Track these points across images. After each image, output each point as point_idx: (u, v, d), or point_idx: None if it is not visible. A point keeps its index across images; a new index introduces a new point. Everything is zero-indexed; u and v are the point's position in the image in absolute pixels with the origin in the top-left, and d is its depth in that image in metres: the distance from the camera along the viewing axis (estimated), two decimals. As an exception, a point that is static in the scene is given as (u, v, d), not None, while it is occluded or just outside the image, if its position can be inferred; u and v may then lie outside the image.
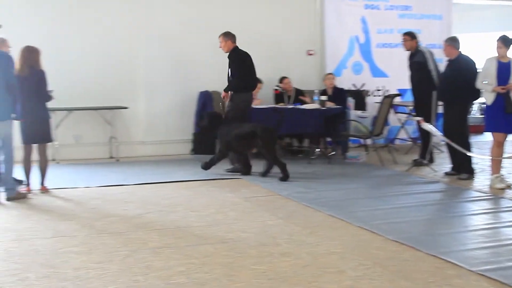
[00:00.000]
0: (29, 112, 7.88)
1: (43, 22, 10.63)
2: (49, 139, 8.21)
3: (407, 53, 10.08)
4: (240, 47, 9.35)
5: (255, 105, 10.82)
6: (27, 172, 8.00)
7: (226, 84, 9.30)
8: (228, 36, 9.43)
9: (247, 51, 9.38)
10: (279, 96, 11.41)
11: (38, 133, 8.00)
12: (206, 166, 9.35)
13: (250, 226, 6.28)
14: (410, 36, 10.01)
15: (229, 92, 9.41)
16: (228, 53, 9.44)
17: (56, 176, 8.89)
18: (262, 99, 11.23)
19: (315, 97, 10.68)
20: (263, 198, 7.70)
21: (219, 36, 9.49)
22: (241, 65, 9.38)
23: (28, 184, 8.00)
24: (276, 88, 11.44)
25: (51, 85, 8.17)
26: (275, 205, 7.30)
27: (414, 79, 9.87)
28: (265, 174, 9.15)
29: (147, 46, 11.20)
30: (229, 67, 9.42)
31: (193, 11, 11.50)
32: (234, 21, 11.62)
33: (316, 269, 4.90)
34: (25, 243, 5.66)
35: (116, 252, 5.37)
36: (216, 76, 11.50)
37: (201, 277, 4.70)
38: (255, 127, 9.00)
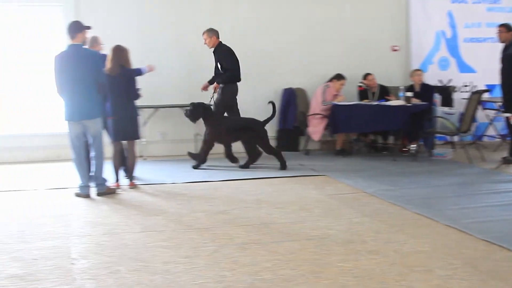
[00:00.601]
0: (119, 110, 8.09)
1: (131, 21, 10.89)
2: (137, 137, 8.40)
3: (500, 46, 9.82)
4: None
5: (338, 101, 10.76)
6: (117, 169, 8.22)
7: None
8: (212, 32, 9.82)
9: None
10: (363, 93, 11.29)
11: (127, 131, 8.21)
12: (197, 166, 9.66)
13: (335, 223, 6.24)
14: (506, 27, 9.74)
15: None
16: (213, 49, 9.90)
17: (143, 172, 9.12)
18: (345, 95, 11.14)
19: (400, 94, 10.51)
20: (348, 195, 7.64)
21: (203, 33, 9.85)
22: (232, 58, 9.83)
23: (117, 180, 8.21)
24: (360, 84, 11.32)
25: (139, 83, 8.37)
26: (360, 202, 7.23)
27: (505, 72, 9.58)
28: (245, 166, 9.60)
29: (231, 43, 11.27)
30: (216, 62, 9.93)
31: (277, 8, 11.51)
32: (318, 17, 11.63)
33: (403, 268, 4.83)
34: (115, 237, 5.82)
35: (203, 247, 5.45)
36: (300, 73, 11.54)
37: (288, 274, 4.71)
38: (247, 121, 9.63)
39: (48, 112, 10.66)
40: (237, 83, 9.94)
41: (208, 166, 9.68)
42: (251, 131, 9.56)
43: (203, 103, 9.75)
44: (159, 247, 5.47)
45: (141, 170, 9.22)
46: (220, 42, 9.91)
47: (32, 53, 10.74)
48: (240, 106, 10.84)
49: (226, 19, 11.28)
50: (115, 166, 8.24)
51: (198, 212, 6.78)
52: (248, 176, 8.92)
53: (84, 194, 7.71)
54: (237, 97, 10.02)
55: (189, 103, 9.78)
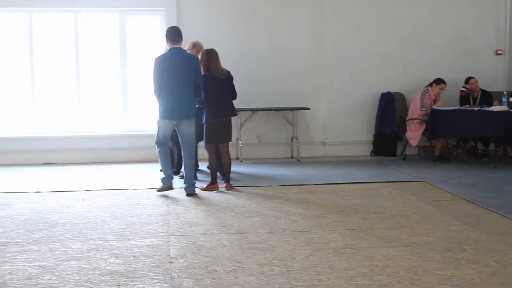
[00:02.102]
0: (222, 112, 8.24)
1: (230, 26, 11.03)
2: (230, 139, 8.53)
3: None
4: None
5: (437, 106, 10.53)
6: (214, 170, 8.35)
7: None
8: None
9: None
10: (464, 98, 10.98)
11: (225, 133, 8.36)
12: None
13: (433, 230, 6.11)
14: None
15: None
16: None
17: (239, 175, 9.23)
18: (447, 100, 10.88)
19: (504, 99, 10.17)
20: (446, 202, 7.46)
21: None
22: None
23: (215, 182, 8.34)
24: (463, 89, 11.03)
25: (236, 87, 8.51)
26: (460, 209, 7.05)
27: None
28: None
29: (329, 47, 11.27)
30: None
31: (377, 12, 11.38)
32: (419, 20, 11.41)
33: (505, 279, 4.67)
34: (212, 238, 5.90)
35: (298, 250, 5.45)
36: (399, 77, 11.35)
37: (384, 280, 4.65)
38: None
39: (142, 113, 10.98)
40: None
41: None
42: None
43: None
44: (254, 249, 5.51)
45: (237, 172, 9.36)
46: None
47: (131, 58, 11.08)
48: (337, 110, 10.86)
49: (327, 25, 11.24)
50: (212, 168, 8.37)
51: (294, 215, 6.79)
52: (344, 180, 8.86)
53: (167, 185, 7.98)
54: None
55: None
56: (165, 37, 8.03)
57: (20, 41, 11.02)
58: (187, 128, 7.91)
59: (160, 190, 8.00)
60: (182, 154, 8.09)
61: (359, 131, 11.45)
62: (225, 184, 8.37)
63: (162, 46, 10.73)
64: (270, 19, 11.21)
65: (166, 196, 7.86)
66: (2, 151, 10.69)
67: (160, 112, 7.93)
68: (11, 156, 10.69)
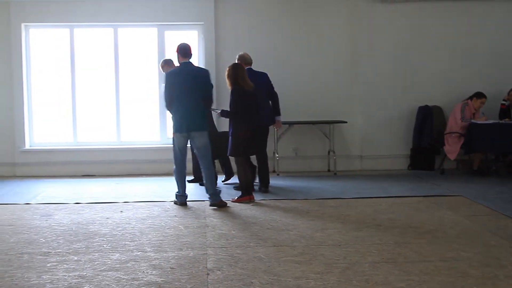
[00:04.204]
0: (253, 125, 8.33)
1: (266, 39, 11.10)
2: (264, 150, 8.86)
3: None
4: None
5: (480, 120, 10.43)
6: (244, 182, 8.37)
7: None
8: (168, 63, 9.55)
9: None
10: (504, 111, 10.87)
11: (259, 145, 8.51)
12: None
13: (471, 245, 6.05)
14: None
15: None
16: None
17: (276, 188, 9.27)
18: (487, 113, 10.77)
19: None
20: (485, 217, 7.38)
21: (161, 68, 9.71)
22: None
23: (250, 193, 8.38)
24: (503, 102, 10.92)
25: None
26: (498, 225, 6.97)
27: None
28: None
29: (366, 60, 11.25)
30: None
31: (414, 24, 11.33)
32: (459, 34, 11.31)
33: (545, 295, 4.62)
34: (249, 250, 5.93)
35: (335, 263, 5.45)
36: (437, 90, 11.28)
37: (421, 295, 4.63)
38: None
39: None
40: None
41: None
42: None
43: None
44: (291, 262, 5.52)
45: (274, 186, 9.39)
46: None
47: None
48: (374, 123, 10.85)
49: (363, 38, 11.26)
50: (243, 180, 8.39)
51: (330, 229, 6.79)
52: (382, 194, 8.82)
53: (180, 202, 8.16)
54: None
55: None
56: (176, 52, 8.24)
57: (62, 55, 11.26)
58: (200, 140, 8.07)
59: (175, 203, 8.24)
60: (200, 165, 8.22)
61: (396, 145, 11.39)
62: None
63: (200, 60, 10.90)
64: (307, 32, 11.25)
65: (202, 209, 7.92)
66: (44, 163, 10.92)
67: (173, 126, 8.19)
68: (53, 168, 10.91)
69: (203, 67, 8.20)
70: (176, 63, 8.63)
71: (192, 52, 8.26)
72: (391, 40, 11.30)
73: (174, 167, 8.25)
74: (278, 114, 9.26)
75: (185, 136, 8.08)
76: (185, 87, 7.98)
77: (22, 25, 11.02)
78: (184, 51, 8.16)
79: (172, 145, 8.41)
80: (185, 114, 7.99)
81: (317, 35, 11.25)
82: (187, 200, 8.25)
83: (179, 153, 8.15)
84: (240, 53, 9.20)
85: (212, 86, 8.28)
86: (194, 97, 7.99)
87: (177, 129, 8.10)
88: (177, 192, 8.22)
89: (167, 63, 9.65)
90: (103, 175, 10.81)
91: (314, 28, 11.26)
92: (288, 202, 8.37)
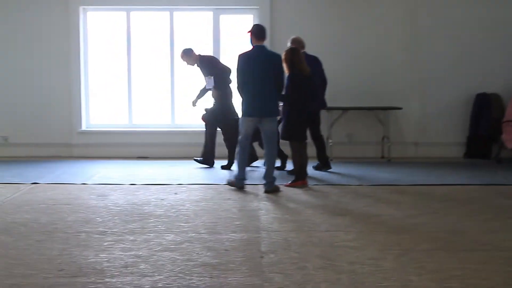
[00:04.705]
0: (305, 109, 8.30)
1: (321, 24, 11.03)
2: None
3: None
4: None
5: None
6: (300, 167, 8.35)
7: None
8: (187, 51, 9.82)
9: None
10: None
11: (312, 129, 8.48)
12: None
13: (530, 235, 5.95)
14: None
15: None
16: (197, 64, 9.91)
17: (329, 174, 9.24)
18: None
19: None
20: (544, 207, 7.24)
21: (181, 58, 9.93)
22: (214, 65, 9.89)
23: (303, 178, 8.36)
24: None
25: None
26: (558, 215, 6.82)
27: None
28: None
29: (422, 45, 11.09)
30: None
31: (474, 9, 11.10)
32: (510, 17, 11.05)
33: None
34: (303, 234, 5.94)
35: (389, 250, 5.40)
36: (496, 78, 11.04)
37: (478, 284, 4.55)
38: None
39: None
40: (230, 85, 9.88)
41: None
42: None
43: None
44: (345, 247, 5.50)
45: (327, 171, 9.37)
46: (200, 55, 9.93)
47: (224, 55, 11.24)
48: (430, 110, 10.69)
49: (420, 24, 11.11)
50: (298, 164, 8.37)
51: (384, 215, 6.74)
52: (437, 182, 8.70)
53: (239, 185, 8.06)
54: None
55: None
56: (250, 34, 8.06)
57: (118, 38, 11.40)
58: (269, 125, 7.98)
59: (229, 183, 8.17)
60: (264, 150, 8.15)
61: (452, 132, 11.21)
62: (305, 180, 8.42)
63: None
64: (363, 17, 11.14)
65: (255, 192, 7.94)
66: (100, 144, 11.11)
67: (242, 109, 8.05)
68: (108, 149, 11.08)
69: (250, 49, 8.05)
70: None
71: (265, 35, 8.10)
72: (448, 26, 11.09)
73: (238, 149, 8.18)
74: None
75: (255, 121, 7.95)
76: (257, 71, 7.86)
77: (80, 8, 11.18)
78: (258, 33, 8.00)
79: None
80: (257, 98, 7.86)
81: (372, 20, 11.12)
82: (245, 183, 8.17)
83: (245, 136, 8.03)
84: (293, 37, 9.16)
85: (284, 71, 8.14)
86: (266, 81, 7.86)
87: (247, 113, 7.96)
88: (236, 175, 8.16)
89: (186, 54, 9.79)
90: (157, 157, 10.93)
91: (369, 13, 11.13)
92: (342, 188, 8.33)
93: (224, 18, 11.34)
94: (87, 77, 11.37)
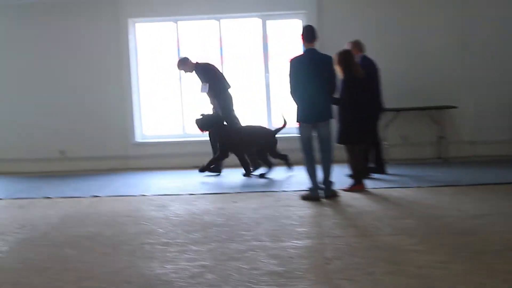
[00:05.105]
0: (364, 113, 8.21)
1: (370, 25, 10.92)
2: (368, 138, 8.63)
3: None
4: None
5: None
6: (357, 171, 8.27)
7: None
8: (184, 60, 10.01)
9: None
10: None
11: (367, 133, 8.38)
12: (203, 169, 9.91)
13: None
14: None
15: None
16: (194, 71, 10.02)
17: (387, 176, 9.13)
18: None
19: None
20: None
21: (177, 67, 10.11)
22: (209, 72, 9.97)
23: (361, 182, 8.27)
24: None
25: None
26: None
27: None
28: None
29: (476, 44, 10.90)
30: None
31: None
32: None
33: None
34: (367, 239, 5.86)
35: (458, 252, 5.29)
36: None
37: (554, 285, 4.44)
38: (258, 130, 9.73)
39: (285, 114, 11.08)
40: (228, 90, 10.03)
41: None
42: (262, 140, 9.62)
43: (215, 115, 9.88)
44: (411, 251, 5.41)
45: (383, 175, 9.28)
46: (196, 62, 10.05)
47: (273, 61, 11.25)
48: (486, 108, 10.49)
49: (473, 22, 10.92)
50: (355, 168, 8.29)
51: (448, 217, 6.61)
52: (498, 181, 8.51)
53: (314, 196, 7.82)
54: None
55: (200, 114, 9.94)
56: (301, 37, 7.98)
57: (167, 48, 11.49)
58: (324, 129, 7.86)
59: (304, 198, 7.88)
60: (320, 155, 7.99)
61: (509, 130, 10.97)
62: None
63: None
64: (413, 17, 11.01)
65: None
66: (155, 155, 11.21)
67: (297, 115, 7.92)
68: (163, 159, 11.18)
69: (301, 52, 7.98)
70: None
71: (316, 36, 7.95)
72: (501, 24, 10.88)
73: (303, 155, 7.95)
74: None
75: (311, 126, 7.84)
76: (309, 75, 7.75)
77: (129, 20, 11.32)
78: (307, 35, 7.89)
79: (295, 135, 8.22)
80: (310, 103, 7.76)
81: (424, 19, 10.98)
82: (319, 193, 7.86)
83: (306, 143, 7.89)
84: (354, 40, 9.09)
85: (336, 73, 8.02)
86: (318, 85, 7.76)
87: (302, 119, 7.85)
88: (309, 187, 7.90)
89: (182, 62, 9.97)
90: (211, 166, 10.94)
91: (421, 13, 10.99)
92: (400, 190, 8.21)
93: (272, 24, 11.33)
94: (139, 89, 11.48)
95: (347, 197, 7.87)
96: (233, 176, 9.88)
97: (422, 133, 11.04)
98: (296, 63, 7.88)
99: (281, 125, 9.73)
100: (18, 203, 8.46)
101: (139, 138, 11.46)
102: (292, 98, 7.95)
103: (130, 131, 11.34)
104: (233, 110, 10.03)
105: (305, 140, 7.89)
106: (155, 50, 11.62)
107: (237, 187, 8.86)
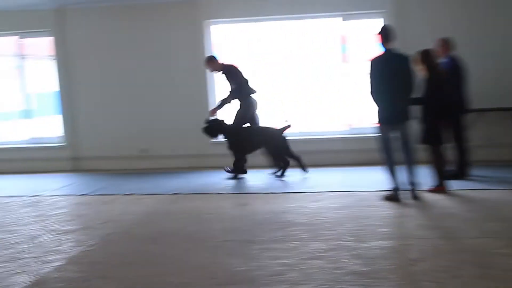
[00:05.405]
0: (447, 113, 8.05)
1: (454, 22, 10.66)
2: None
3: None
4: None
5: None
6: (440, 172, 8.11)
7: None
8: (212, 59, 10.09)
9: None
10: None
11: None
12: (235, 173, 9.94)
13: None
14: None
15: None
16: (221, 72, 10.04)
17: (471, 178, 8.92)
18: None
19: None
20: None
21: (205, 65, 10.22)
22: (236, 75, 9.96)
23: (441, 184, 8.10)
24: None
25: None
26: None
27: None
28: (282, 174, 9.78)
29: None
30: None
31: None
32: None
33: None
34: (452, 242, 5.75)
35: (548, 257, 5.14)
36: None
37: None
38: (265, 130, 9.89)
39: (364, 115, 10.99)
40: (252, 96, 10.06)
41: None
42: (269, 140, 9.72)
43: (216, 119, 10.05)
44: (498, 254, 5.28)
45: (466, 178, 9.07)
46: (222, 63, 10.08)
47: (353, 61, 11.17)
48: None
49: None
50: (438, 169, 8.13)
51: (537, 220, 6.42)
52: None
53: (396, 197, 7.69)
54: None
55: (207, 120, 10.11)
56: (379, 37, 7.86)
57: (248, 49, 11.56)
58: (405, 130, 7.75)
59: (386, 198, 7.76)
60: (403, 156, 7.84)
61: None
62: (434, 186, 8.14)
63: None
64: (498, 15, 10.68)
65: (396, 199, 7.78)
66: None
67: (378, 116, 7.82)
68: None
69: (381, 53, 7.86)
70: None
71: (394, 36, 7.85)
72: None
73: (385, 159, 7.82)
74: None
75: (391, 127, 7.73)
76: (388, 75, 7.65)
77: (207, 21, 11.43)
78: (386, 35, 7.79)
79: (370, 135, 8.21)
80: (391, 104, 7.66)
81: (509, 17, 10.65)
82: (400, 194, 7.72)
83: (386, 143, 7.77)
84: (443, 37, 8.94)
85: (414, 73, 7.86)
86: (398, 85, 7.65)
87: (382, 120, 7.76)
88: (391, 187, 7.79)
89: (209, 61, 10.10)
90: (290, 165, 10.86)
91: (506, 10, 10.67)
92: (485, 192, 8.00)
93: (351, 24, 11.24)
94: (214, 88, 11.55)
95: (430, 199, 7.72)
96: (313, 175, 9.82)
97: (508, 134, 10.72)
98: (376, 63, 7.78)
99: (285, 125, 9.90)
100: (102, 199, 8.70)
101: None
102: (372, 99, 7.84)
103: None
104: (253, 114, 10.12)
105: (385, 141, 7.78)
106: (231, 51, 11.68)
107: (316, 186, 8.81)
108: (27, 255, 5.95)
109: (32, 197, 9.04)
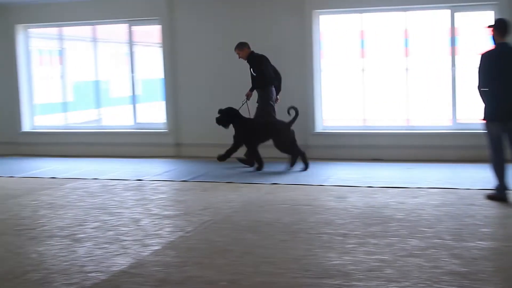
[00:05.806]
0: None
1: None
2: None
3: None
4: None
5: None
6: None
7: None
8: (242, 45, 10.28)
9: None
10: None
11: None
12: (222, 158, 10.05)
13: None
14: None
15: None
16: (247, 59, 10.32)
17: None
18: None
19: None
20: None
21: (235, 50, 10.37)
22: (261, 64, 10.21)
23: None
24: None
25: None
26: None
27: None
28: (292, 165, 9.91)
29: None
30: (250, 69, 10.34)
31: None
32: None
33: None
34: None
35: None
36: None
37: None
38: (273, 122, 9.98)
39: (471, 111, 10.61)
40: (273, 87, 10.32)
41: None
42: (277, 132, 9.79)
43: (230, 108, 10.11)
44: None
45: None
46: (252, 51, 10.30)
47: (461, 54, 10.83)
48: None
49: None
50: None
51: None
52: None
53: (501, 196, 7.32)
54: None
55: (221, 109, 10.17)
56: (492, 30, 7.48)
57: (351, 40, 11.44)
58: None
59: (490, 198, 7.43)
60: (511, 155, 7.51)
61: None
62: None
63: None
64: None
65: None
66: (334, 146, 11.16)
67: (486, 113, 7.45)
68: (343, 150, 11.07)
69: (493, 47, 7.49)
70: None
71: (509, 30, 7.42)
72: None
73: (491, 154, 7.44)
74: None
75: (501, 125, 7.35)
76: (500, 70, 7.30)
77: (314, 12, 11.36)
78: (501, 29, 7.39)
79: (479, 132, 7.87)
80: (502, 101, 7.30)
81: None
82: (506, 193, 7.35)
83: (495, 141, 7.39)
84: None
85: None
86: (509, 82, 7.29)
87: (491, 117, 7.39)
88: (496, 186, 7.42)
89: (238, 46, 10.27)
90: (391, 159, 10.72)
91: None
92: None
93: (460, 16, 10.89)
94: (320, 80, 11.50)
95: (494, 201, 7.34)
96: (415, 171, 9.61)
97: None
98: (487, 57, 7.43)
99: (293, 117, 9.90)
100: (202, 186, 8.84)
101: (319, 128, 11.50)
102: (479, 94, 7.51)
103: (310, 121, 11.39)
104: (272, 105, 10.28)
105: (494, 139, 7.42)
106: (338, 42, 11.59)
107: (418, 182, 8.58)
108: (127, 238, 6.13)
109: (135, 181, 9.31)
